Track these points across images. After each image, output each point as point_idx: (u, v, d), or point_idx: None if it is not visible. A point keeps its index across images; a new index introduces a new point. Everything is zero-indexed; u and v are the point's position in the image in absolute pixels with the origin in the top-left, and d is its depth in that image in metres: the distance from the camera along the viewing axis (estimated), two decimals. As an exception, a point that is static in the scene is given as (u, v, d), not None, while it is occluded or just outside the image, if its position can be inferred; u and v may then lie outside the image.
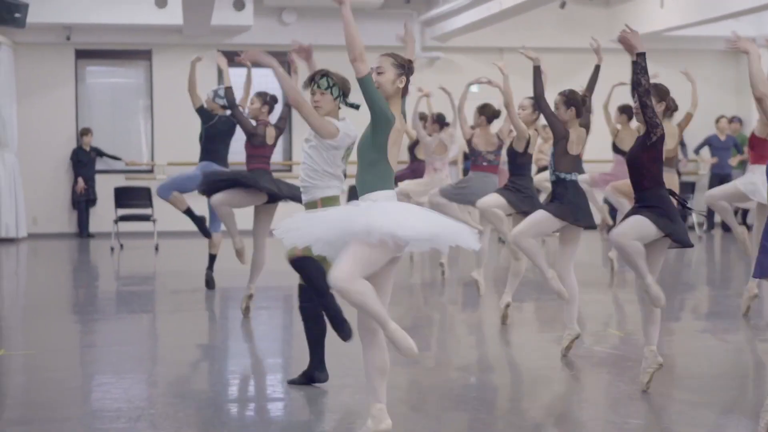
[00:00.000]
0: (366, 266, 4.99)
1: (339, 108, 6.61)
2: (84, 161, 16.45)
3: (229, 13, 16.04)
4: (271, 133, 9.18)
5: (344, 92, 6.66)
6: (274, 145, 9.28)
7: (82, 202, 16.52)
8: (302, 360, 7.48)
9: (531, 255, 7.56)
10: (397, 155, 5.27)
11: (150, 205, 14.94)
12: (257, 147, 9.11)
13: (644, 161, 6.33)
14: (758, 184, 8.85)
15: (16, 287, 12.10)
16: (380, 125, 5.23)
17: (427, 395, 6.53)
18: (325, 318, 6.58)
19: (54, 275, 12.92)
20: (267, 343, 8.40)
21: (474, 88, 18.03)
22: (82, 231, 16.51)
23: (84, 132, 16.50)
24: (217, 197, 9.02)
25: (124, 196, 15.07)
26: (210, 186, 9.21)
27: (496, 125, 10.66)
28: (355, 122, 6.66)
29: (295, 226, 5.23)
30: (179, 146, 16.98)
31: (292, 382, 6.67)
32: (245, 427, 5.85)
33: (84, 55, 16.98)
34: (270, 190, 8.94)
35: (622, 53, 18.97)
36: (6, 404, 6.42)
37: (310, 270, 6.36)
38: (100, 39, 16.65)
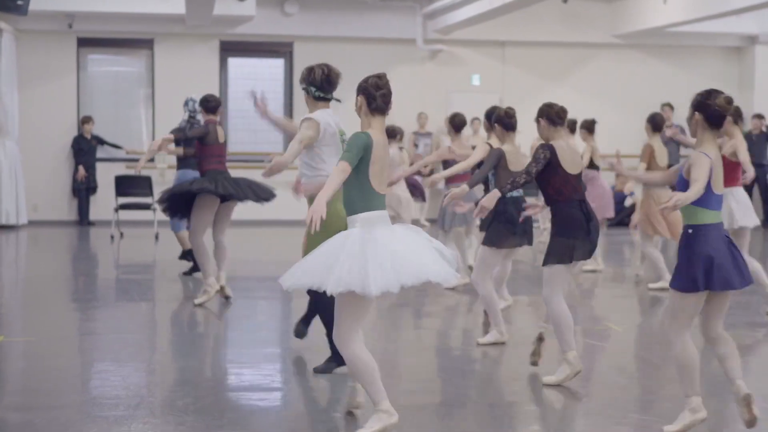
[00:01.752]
0: (359, 318, 5.27)
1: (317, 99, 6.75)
2: (85, 149, 16.46)
3: (231, 3, 16.04)
4: (221, 131, 9.16)
5: (315, 84, 6.73)
6: (225, 143, 9.32)
7: (83, 190, 16.53)
8: (300, 350, 7.52)
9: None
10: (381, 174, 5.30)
11: (150, 193, 14.93)
12: (209, 146, 9.11)
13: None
14: (733, 209, 8.81)
15: (16, 274, 12.11)
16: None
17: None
18: None
19: (54, 263, 12.94)
20: (265, 332, 8.42)
21: (475, 81, 18.10)
22: (82, 219, 16.53)
23: (85, 120, 16.51)
24: (196, 240, 9.06)
25: (124, 185, 15.05)
26: (171, 205, 9.28)
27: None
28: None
29: (295, 272, 5.31)
30: (180, 136, 16.99)
31: (317, 371, 6.63)
32: (244, 416, 5.87)
33: (86, 43, 16.97)
34: (225, 194, 9.00)
35: (624, 49, 19.04)
36: (6, 390, 6.44)
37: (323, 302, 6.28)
38: (103, 27, 16.64)
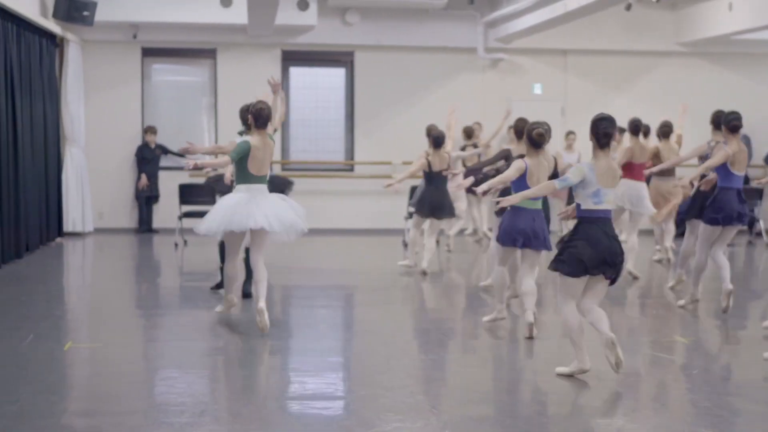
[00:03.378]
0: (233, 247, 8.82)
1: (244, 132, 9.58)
2: (148, 158, 16.66)
3: (293, 12, 16.14)
4: None
5: (246, 121, 9.25)
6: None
7: (144, 198, 16.72)
8: (363, 358, 7.53)
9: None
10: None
11: (213, 201, 15.01)
12: None
13: None
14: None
15: (83, 281, 12.28)
16: None
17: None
18: None
19: (119, 270, 13.10)
20: (328, 341, 8.43)
21: (537, 90, 18.01)
22: (142, 226, 16.70)
23: (149, 130, 16.71)
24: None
25: (188, 193, 15.20)
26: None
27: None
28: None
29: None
30: (242, 144, 17.12)
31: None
32: (307, 424, 5.88)
33: (150, 53, 17.17)
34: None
35: (688, 57, 18.83)
36: (72, 396, 6.52)
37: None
38: (166, 37, 16.82)
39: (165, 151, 16.76)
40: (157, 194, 16.84)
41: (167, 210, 16.20)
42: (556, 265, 6.89)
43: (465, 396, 6.49)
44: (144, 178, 16.62)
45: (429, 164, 11.92)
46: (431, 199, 11.96)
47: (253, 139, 8.52)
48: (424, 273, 11.81)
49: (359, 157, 17.49)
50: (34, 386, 6.51)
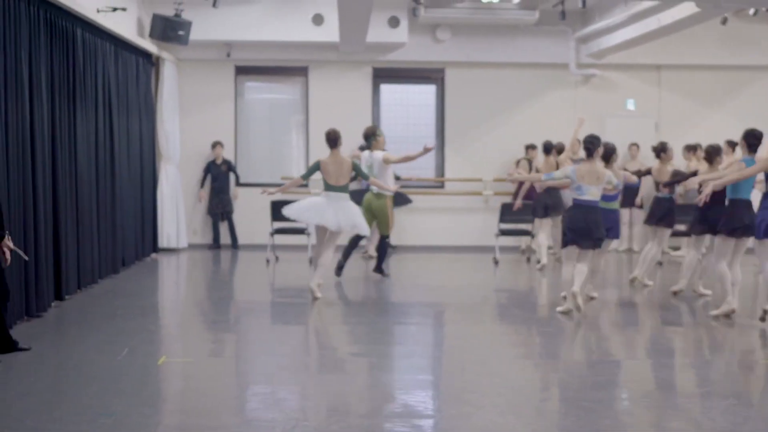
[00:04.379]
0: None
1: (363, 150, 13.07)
2: (215, 174, 16.71)
3: (384, 30, 16.22)
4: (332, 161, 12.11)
5: (367, 138, 12.91)
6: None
7: (217, 215, 16.77)
8: (453, 376, 7.50)
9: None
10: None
11: (303, 219, 15.16)
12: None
13: None
14: None
15: (176, 296, 12.47)
16: None
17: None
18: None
19: (211, 285, 13.28)
20: (418, 359, 8.41)
21: (630, 105, 17.79)
22: (215, 241, 16.79)
23: (216, 144, 16.75)
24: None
25: (280, 210, 15.30)
26: None
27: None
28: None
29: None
30: (333, 161, 17.22)
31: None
32: (397, 442, 5.87)
33: (243, 71, 17.40)
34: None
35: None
36: (165, 410, 6.61)
37: None
38: (259, 56, 17.04)
39: (231, 168, 16.84)
40: (230, 210, 16.86)
41: (259, 226, 16.34)
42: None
43: (555, 416, 6.40)
44: (202, 193, 16.73)
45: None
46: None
47: (326, 157, 11.46)
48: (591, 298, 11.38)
49: (450, 173, 17.46)
50: (129, 400, 6.61)
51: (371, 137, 12.88)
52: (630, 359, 8.47)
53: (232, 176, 16.94)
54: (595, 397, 6.99)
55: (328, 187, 11.34)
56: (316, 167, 11.36)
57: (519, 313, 10.67)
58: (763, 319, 9.77)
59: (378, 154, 12.71)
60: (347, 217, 11.19)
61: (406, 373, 7.72)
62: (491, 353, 8.57)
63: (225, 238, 16.98)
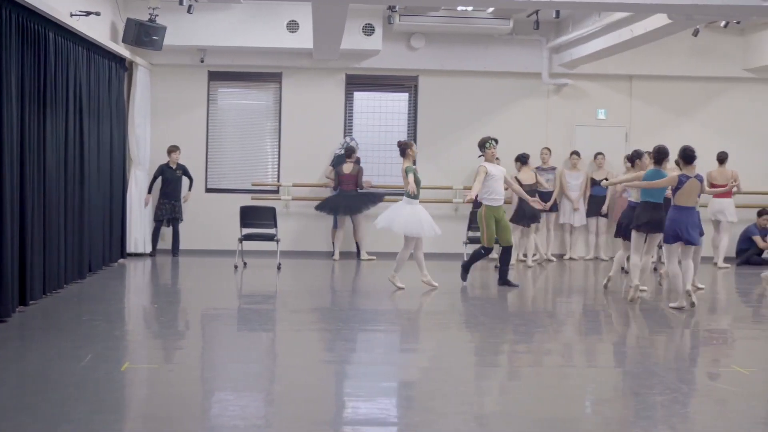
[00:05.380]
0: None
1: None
2: (169, 179, 16.36)
3: (358, 37, 16.23)
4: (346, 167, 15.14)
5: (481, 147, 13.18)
6: (350, 173, 16.15)
7: (162, 221, 16.32)
8: (417, 383, 7.49)
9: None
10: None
11: (274, 225, 15.15)
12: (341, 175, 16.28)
13: None
14: None
15: (143, 302, 12.40)
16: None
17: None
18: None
19: (179, 291, 13.23)
20: (382, 366, 8.40)
21: (601, 115, 17.89)
22: (154, 249, 16.36)
23: (172, 149, 16.39)
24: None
25: (249, 216, 15.29)
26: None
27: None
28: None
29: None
30: (305, 168, 17.21)
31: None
32: (358, 450, 5.86)
33: (217, 76, 17.37)
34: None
35: (756, 83, 18.61)
36: (128, 417, 6.58)
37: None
38: (233, 61, 17.00)
39: (186, 172, 16.56)
40: (179, 216, 16.44)
41: (227, 232, 16.29)
42: None
43: (519, 424, 6.42)
44: (148, 198, 16.27)
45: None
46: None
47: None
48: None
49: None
50: (91, 406, 6.57)
51: (483, 147, 13.07)
52: (593, 367, 8.49)
53: (185, 182, 16.61)
54: (558, 404, 7.02)
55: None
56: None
57: (485, 320, 10.68)
58: (692, 304, 11.39)
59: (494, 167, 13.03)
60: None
61: (370, 381, 7.72)
62: (456, 360, 8.58)
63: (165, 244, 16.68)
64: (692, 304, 11.35)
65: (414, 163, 13.05)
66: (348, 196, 16.40)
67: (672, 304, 11.50)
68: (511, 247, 13.10)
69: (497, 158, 13.44)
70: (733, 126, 17.75)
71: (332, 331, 9.76)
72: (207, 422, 6.43)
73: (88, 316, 10.22)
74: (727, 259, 16.69)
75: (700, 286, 13.09)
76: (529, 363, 8.67)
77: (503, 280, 13.18)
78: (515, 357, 8.92)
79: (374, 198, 16.54)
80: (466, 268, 13.32)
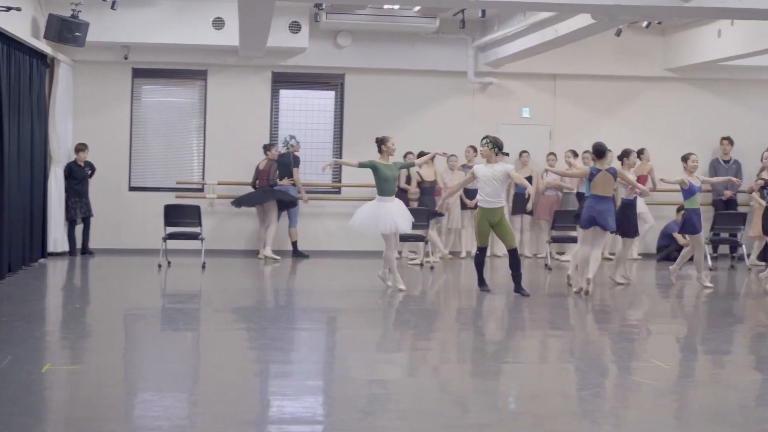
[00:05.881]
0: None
1: (496, 155, 12.26)
2: (77, 177, 16.07)
3: (284, 35, 16.16)
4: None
5: (498, 146, 12.27)
6: (266, 169, 16.23)
7: (75, 220, 16.05)
8: (343, 382, 7.48)
9: None
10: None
11: (199, 223, 15.02)
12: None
13: None
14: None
15: (64, 302, 12.21)
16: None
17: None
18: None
19: (101, 290, 13.05)
20: (308, 365, 8.38)
21: (526, 113, 18.06)
22: (72, 248, 16.08)
23: (80, 147, 16.09)
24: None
25: (173, 214, 15.13)
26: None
27: None
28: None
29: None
30: (230, 166, 17.09)
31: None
32: (283, 449, 5.84)
33: (141, 73, 17.15)
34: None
35: (676, 82, 18.91)
36: (48, 419, 6.46)
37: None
38: (158, 58, 16.81)
39: (93, 170, 16.30)
40: (89, 215, 16.22)
41: (152, 231, 16.11)
42: None
43: (447, 419, 6.45)
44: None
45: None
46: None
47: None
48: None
49: (347, 179, 17.47)
50: (10, 409, 6.44)
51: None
52: (517, 363, 8.57)
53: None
54: (483, 401, 7.07)
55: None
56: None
57: (411, 318, 10.72)
58: (585, 292, 12.26)
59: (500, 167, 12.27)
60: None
61: (296, 379, 7.68)
62: (383, 358, 8.59)
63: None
64: (586, 293, 12.19)
65: (390, 155, 12.83)
66: (262, 190, 16.31)
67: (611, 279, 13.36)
68: (514, 250, 12.20)
69: (506, 154, 12.68)
70: (654, 124, 18.05)
71: (257, 330, 9.71)
72: (130, 423, 6.34)
73: (6, 317, 10.01)
74: (647, 255, 16.96)
75: (707, 284, 13.54)
76: (448, 360, 8.72)
77: (515, 288, 12.34)
78: (441, 353, 8.95)
79: (285, 197, 16.35)
80: (480, 279, 12.58)
